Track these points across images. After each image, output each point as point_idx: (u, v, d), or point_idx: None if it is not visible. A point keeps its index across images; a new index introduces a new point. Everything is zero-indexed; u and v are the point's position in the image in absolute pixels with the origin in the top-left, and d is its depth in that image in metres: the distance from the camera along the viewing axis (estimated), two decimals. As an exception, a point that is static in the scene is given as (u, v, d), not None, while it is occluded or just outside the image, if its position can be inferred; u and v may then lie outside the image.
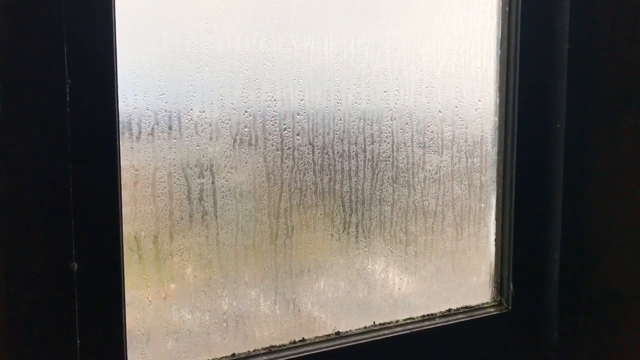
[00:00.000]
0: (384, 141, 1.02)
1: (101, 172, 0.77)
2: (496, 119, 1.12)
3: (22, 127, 0.70)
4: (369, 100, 1.00)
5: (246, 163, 0.92)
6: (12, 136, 0.69)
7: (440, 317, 1.10)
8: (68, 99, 0.72)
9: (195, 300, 0.90)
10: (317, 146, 0.97)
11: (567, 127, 1.10)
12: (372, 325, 1.05)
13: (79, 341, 0.75)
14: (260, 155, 0.93)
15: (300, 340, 0.98)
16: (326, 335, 1.01)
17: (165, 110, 0.85)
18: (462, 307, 1.13)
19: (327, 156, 0.98)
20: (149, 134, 0.84)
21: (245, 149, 0.91)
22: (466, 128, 1.10)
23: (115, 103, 0.78)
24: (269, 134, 0.93)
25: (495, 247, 1.16)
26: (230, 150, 0.90)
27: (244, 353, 0.94)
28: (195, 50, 0.86)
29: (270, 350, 0.96)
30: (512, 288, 1.14)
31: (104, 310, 0.79)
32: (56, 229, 0.73)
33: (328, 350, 0.98)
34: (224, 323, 0.93)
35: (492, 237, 1.16)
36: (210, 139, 0.88)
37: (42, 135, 0.71)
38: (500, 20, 1.10)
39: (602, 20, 1.11)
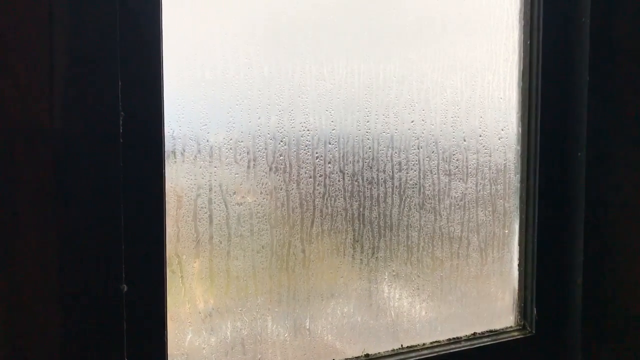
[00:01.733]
0: (411, 169, 1.06)
1: (149, 198, 0.82)
2: (519, 148, 1.16)
3: (79, 157, 0.75)
4: (396, 129, 1.05)
5: (281, 189, 0.96)
6: (70, 165, 0.74)
7: (465, 340, 1.13)
8: (121, 130, 0.78)
9: (232, 321, 0.94)
10: (348, 173, 1.01)
11: (588, 156, 1.13)
12: (400, 348, 1.07)
13: (126, 359, 0.79)
14: (294, 182, 0.97)
15: (330, 362, 1.02)
16: (356, 357, 1.04)
17: (207, 140, 0.89)
18: (487, 331, 1.16)
19: (356, 183, 1.02)
20: (191, 162, 0.89)
21: (280, 176, 0.96)
22: (490, 156, 1.14)
23: (162, 133, 0.83)
24: (302, 162, 0.97)
25: (519, 272, 1.18)
26: (266, 177, 0.95)
27: (277, 373, 0.97)
28: (236, 83, 0.91)
29: (302, 371, 0.99)
30: (535, 312, 1.16)
31: (149, 330, 0.83)
32: (109, 252, 0.77)
33: (358, 372, 1.01)
34: (258, 343, 0.96)
35: (516, 262, 1.18)
36: (248, 166, 0.93)
37: (97, 164, 0.76)
38: (522, 53, 1.15)
39: (621, 53, 1.15)
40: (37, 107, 0.72)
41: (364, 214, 1.03)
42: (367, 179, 1.03)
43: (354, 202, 1.02)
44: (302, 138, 0.97)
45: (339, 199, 1.01)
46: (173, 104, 0.86)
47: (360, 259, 1.04)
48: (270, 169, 0.95)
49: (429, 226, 1.09)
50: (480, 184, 1.13)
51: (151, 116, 0.81)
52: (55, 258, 0.74)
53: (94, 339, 0.76)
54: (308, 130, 0.97)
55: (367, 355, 1.04)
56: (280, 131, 0.95)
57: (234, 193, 0.92)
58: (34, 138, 0.72)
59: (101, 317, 0.77)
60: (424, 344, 1.09)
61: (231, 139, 0.91)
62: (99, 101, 0.75)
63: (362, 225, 1.03)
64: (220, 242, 0.92)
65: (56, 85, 0.72)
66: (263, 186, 0.94)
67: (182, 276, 0.89)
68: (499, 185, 1.15)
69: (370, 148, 1.03)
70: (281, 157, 0.96)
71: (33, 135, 0.71)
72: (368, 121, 1.02)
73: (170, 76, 0.85)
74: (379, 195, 1.04)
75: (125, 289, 0.78)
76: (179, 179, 0.88)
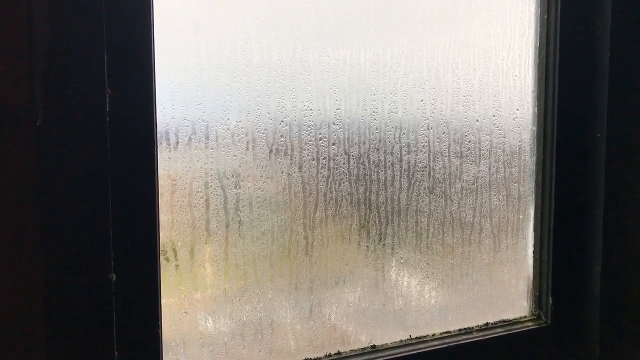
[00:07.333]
0: (421, 151, 1.01)
1: (139, 182, 0.77)
2: (535, 129, 1.10)
3: (62, 137, 0.70)
4: (405, 109, 0.99)
5: (282, 173, 0.91)
6: (52, 145, 0.69)
7: (477, 331, 1.08)
8: (108, 108, 0.73)
9: (231, 311, 0.89)
10: (353, 156, 0.96)
11: (608, 137, 1.07)
12: (408, 339, 1.02)
13: (116, 352, 0.75)
14: (296, 165, 0.92)
15: (335, 354, 0.97)
16: (362, 349, 0.99)
17: (203, 120, 0.84)
18: (500, 322, 1.10)
19: (363, 166, 0.97)
20: (186, 144, 0.84)
21: (281, 159, 0.90)
22: (504, 138, 1.07)
23: (153, 113, 0.78)
24: (305, 143, 0.92)
25: (534, 260, 1.13)
26: (267, 160, 0.89)
27: (279, 366, 0.93)
28: (233, 60, 0.85)
29: (305, 363, 0.94)
30: (551, 302, 1.11)
31: (141, 321, 0.78)
32: (96, 240, 0.72)
33: (364, 364, 0.96)
34: (259, 335, 0.91)
35: (531, 249, 1.13)
36: (247, 148, 0.88)
37: (82, 144, 0.71)
38: (539, 28, 1.08)
39: (644, 27, 1.09)
40: (15, 82, 0.66)
41: (370, 199, 0.98)
42: (374, 162, 0.97)
43: (360, 187, 0.97)
44: (304, 118, 0.92)
45: (344, 183, 0.95)
46: (165, 83, 0.81)
47: (367, 246, 0.99)
48: (271, 151, 0.90)
49: (439, 211, 1.03)
50: (494, 167, 1.07)
51: (141, 94, 0.76)
52: (38, 245, 0.69)
53: (82, 331, 0.72)
54: (311, 110, 0.92)
55: (373, 346, 1.00)
56: (281, 111, 0.89)
57: (232, 176, 0.87)
58: (12, 117, 0.67)
59: (88, 309, 0.72)
60: (433, 335, 1.04)
61: (228, 119, 0.86)
62: (82, 76, 0.70)
63: (368, 210, 0.98)
64: (218, 229, 0.87)
65: (36, 58, 0.67)
66: (263, 169, 0.89)
67: (177, 265, 0.85)
68: (513, 169, 1.09)
69: (377, 129, 0.97)
70: (282, 139, 0.90)
71: (11, 113, 0.67)
72: (375, 100, 0.96)
73: (162, 53, 0.79)
74: (386, 179, 0.99)
75: (114, 278, 0.74)
76: (172, 161, 0.83)
